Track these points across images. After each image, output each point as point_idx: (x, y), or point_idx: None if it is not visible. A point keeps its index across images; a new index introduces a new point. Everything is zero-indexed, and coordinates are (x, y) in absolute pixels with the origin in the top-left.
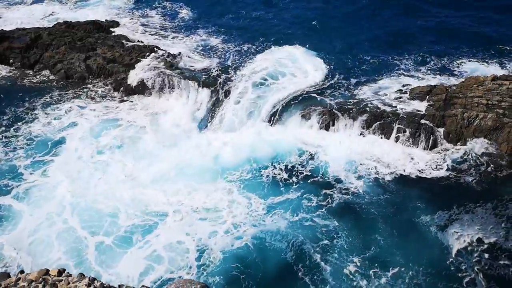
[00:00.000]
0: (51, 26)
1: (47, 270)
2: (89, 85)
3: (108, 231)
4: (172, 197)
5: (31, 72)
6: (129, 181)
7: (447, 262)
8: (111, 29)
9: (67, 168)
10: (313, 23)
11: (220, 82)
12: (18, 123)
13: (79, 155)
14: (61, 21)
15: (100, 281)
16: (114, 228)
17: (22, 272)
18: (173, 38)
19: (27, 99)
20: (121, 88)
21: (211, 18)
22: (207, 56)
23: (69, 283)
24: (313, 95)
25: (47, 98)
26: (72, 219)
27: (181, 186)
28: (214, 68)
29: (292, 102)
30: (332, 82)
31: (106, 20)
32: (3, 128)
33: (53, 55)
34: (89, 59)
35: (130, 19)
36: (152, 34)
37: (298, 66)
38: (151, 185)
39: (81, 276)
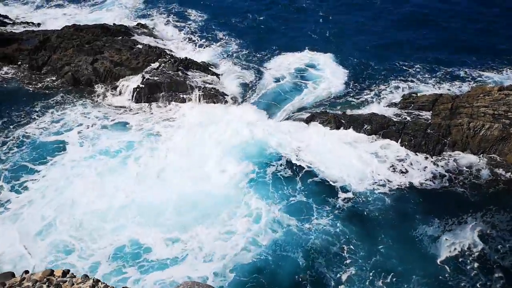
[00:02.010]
0: (59, 29)
1: (52, 271)
2: (95, 89)
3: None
4: (172, 234)
5: (38, 74)
6: (129, 210)
7: (450, 273)
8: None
9: (52, 183)
10: (326, 30)
11: (230, 88)
12: (11, 126)
13: (72, 167)
14: (80, 23)
15: (104, 283)
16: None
17: (26, 272)
18: (183, 42)
19: (30, 101)
20: (128, 92)
21: (221, 21)
22: (216, 58)
23: (73, 284)
24: (321, 100)
25: (50, 101)
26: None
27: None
28: (225, 73)
29: (302, 107)
30: (341, 88)
31: (114, 24)
32: None
33: (61, 58)
34: (96, 62)
35: (136, 23)
36: (163, 38)
37: (311, 73)
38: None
39: (85, 277)
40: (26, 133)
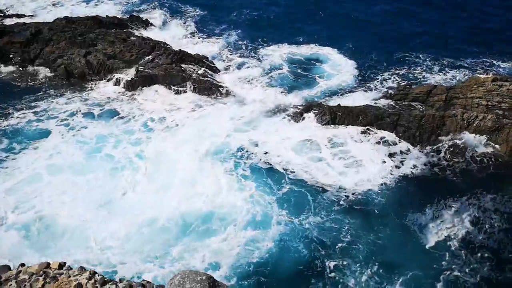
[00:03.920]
0: (51, 21)
1: (48, 263)
2: (88, 82)
3: None
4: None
5: (29, 67)
6: (100, 220)
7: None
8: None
9: (14, 176)
10: (325, 22)
11: (226, 81)
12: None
13: (43, 158)
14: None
15: (101, 275)
16: None
17: (23, 265)
18: (178, 34)
19: (20, 94)
20: (121, 85)
21: (217, 14)
22: (212, 50)
23: (69, 276)
24: (319, 91)
25: (40, 94)
26: None
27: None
28: (220, 65)
29: (300, 98)
30: (340, 79)
31: (106, 16)
32: None
33: (53, 50)
34: (90, 54)
35: (129, 15)
36: (157, 30)
37: (310, 65)
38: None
39: (82, 269)
40: (7, 124)
